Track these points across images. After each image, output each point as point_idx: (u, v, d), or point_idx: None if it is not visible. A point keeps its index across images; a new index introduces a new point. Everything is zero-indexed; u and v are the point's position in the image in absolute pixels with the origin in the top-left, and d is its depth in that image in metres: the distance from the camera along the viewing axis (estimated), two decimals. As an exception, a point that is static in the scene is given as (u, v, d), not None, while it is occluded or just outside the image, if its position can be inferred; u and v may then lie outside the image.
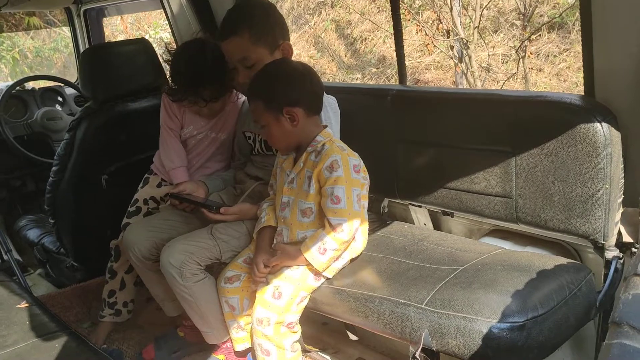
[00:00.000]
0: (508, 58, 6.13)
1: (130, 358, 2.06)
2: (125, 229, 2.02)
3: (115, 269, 2.11)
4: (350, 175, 1.56)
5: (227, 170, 2.11)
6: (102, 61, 2.28)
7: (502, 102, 1.70)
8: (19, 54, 7.87)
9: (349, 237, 1.56)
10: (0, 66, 7.76)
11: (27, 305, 1.64)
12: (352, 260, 1.68)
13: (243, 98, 2.12)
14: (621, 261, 1.52)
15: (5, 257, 2.57)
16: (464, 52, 4.42)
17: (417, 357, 1.38)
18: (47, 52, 8.05)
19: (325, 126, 1.67)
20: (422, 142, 1.89)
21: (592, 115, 1.44)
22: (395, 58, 2.22)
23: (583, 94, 1.56)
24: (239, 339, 1.79)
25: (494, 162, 1.67)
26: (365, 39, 7.48)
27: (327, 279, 1.64)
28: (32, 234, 2.88)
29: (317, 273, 1.61)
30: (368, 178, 1.63)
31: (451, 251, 1.66)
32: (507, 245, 1.75)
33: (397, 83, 2.12)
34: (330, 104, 1.79)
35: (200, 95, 1.91)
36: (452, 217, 1.98)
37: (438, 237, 1.81)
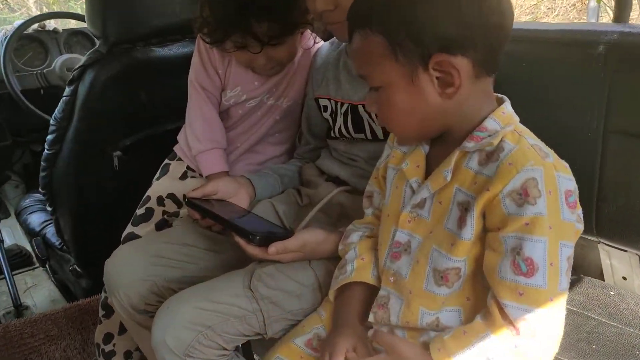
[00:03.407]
0: None
1: None
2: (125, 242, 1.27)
3: (110, 303, 1.34)
4: (560, 215, 0.70)
5: (289, 162, 1.29)
6: None
7: None
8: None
9: (544, 350, 0.70)
10: (48, 2, 7.24)
11: None
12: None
13: (320, 43, 1.28)
14: None
15: None
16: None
17: None
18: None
19: (503, 99, 0.79)
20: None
21: None
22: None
23: None
24: None
25: None
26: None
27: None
28: (35, 219, 2.21)
29: (460, 405, 0.76)
30: (582, 216, 0.76)
31: None
32: None
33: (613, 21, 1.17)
34: None
35: (251, 32, 1.09)
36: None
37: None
